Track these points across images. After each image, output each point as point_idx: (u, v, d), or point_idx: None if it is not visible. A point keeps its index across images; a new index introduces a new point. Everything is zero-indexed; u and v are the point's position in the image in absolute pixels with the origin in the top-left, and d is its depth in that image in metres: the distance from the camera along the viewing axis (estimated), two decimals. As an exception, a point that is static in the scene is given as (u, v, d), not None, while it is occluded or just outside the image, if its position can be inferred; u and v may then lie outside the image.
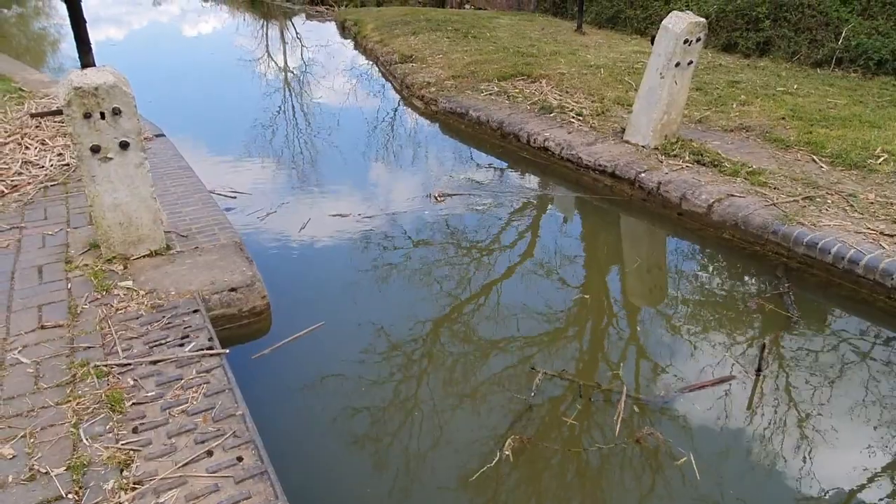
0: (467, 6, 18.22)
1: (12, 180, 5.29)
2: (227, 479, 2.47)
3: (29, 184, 5.25)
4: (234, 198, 5.81)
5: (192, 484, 2.44)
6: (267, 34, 17.10)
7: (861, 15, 9.71)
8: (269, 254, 4.94)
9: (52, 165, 5.62)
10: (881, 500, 2.83)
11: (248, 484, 2.45)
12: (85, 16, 7.10)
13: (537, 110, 7.53)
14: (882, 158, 5.63)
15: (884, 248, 4.23)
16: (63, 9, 24.08)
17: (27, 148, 5.95)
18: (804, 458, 3.04)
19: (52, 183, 5.29)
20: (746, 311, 4.23)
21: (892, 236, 4.35)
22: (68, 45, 15.45)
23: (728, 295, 4.50)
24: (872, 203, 4.88)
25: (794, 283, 4.40)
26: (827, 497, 2.84)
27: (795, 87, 8.13)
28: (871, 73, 8.98)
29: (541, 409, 3.29)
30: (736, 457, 3.04)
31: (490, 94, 8.32)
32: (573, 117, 7.20)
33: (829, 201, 4.94)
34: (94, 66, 4.21)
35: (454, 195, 5.67)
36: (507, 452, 2.91)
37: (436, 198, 5.74)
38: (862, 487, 2.89)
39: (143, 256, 4.09)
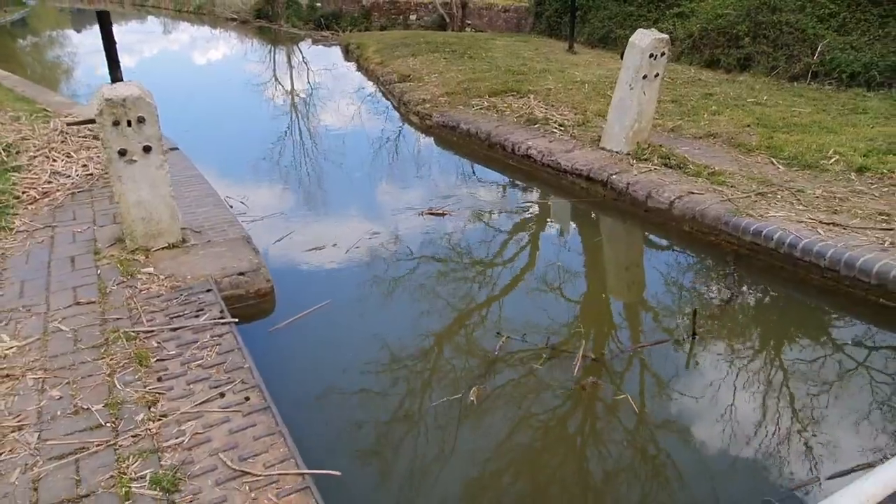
0: (468, 29, 18.93)
1: (43, 188, 5.87)
2: (236, 413, 2.99)
3: (58, 191, 5.83)
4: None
5: (208, 417, 2.96)
6: (274, 58, 17.85)
7: (837, 31, 10.26)
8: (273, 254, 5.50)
9: (77, 175, 6.22)
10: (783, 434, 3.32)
11: (254, 416, 2.97)
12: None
13: (523, 122, 8.10)
14: (833, 159, 6.14)
15: (820, 233, 4.73)
16: (76, 38, 24.97)
17: (54, 160, 6.56)
18: (725, 400, 3.56)
19: (79, 190, 5.87)
20: (693, 290, 4.77)
21: (828, 224, 4.86)
22: (81, 73, 16.34)
23: (680, 276, 5.04)
24: (818, 198, 5.38)
25: (741, 266, 4.92)
26: (738, 423, 3.36)
27: (765, 98, 8.68)
28: (844, 86, 9.50)
29: (505, 365, 3.81)
30: (670, 400, 3.56)
31: (480, 109, 8.91)
32: (556, 128, 7.76)
33: (779, 196, 5.46)
34: (123, 80, 4.81)
35: (444, 214, 6.16)
36: (471, 399, 3.42)
37: (430, 214, 6.21)
38: (767, 422, 3.38)
39: (162, 248, 4.65)
